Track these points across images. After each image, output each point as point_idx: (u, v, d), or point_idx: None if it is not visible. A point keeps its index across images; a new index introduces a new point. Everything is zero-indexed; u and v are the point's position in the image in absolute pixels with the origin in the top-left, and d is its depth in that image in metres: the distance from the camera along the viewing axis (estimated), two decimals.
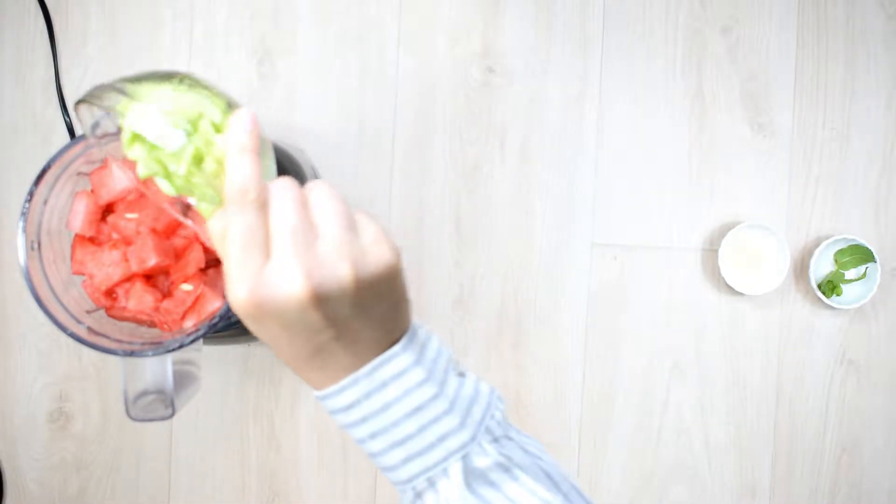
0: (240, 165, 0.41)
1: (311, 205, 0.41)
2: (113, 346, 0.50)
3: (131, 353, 0.50)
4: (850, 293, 0.98)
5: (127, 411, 0.50)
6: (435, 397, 0.44)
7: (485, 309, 0.99)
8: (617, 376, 1.00)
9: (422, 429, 0.44)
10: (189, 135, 0.44)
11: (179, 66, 0.99)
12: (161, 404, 0.51)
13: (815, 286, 0.97)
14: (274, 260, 0.40)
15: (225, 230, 0.40)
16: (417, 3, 1.00)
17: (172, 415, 0.51)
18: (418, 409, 0.43)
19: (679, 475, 1.00)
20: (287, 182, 0.42)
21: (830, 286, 0.97)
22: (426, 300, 0.99)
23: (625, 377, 1.00)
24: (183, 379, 0.55)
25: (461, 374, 0.46)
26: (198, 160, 0.44)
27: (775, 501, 1.00)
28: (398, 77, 0.99)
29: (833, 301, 0.97)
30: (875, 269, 0.97)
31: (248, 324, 0.41)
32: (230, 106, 0.49)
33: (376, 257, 0.41)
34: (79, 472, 0.99)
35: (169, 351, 0.51)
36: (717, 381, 1.00)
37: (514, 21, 1.00)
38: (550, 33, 1.00)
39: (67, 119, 0.98)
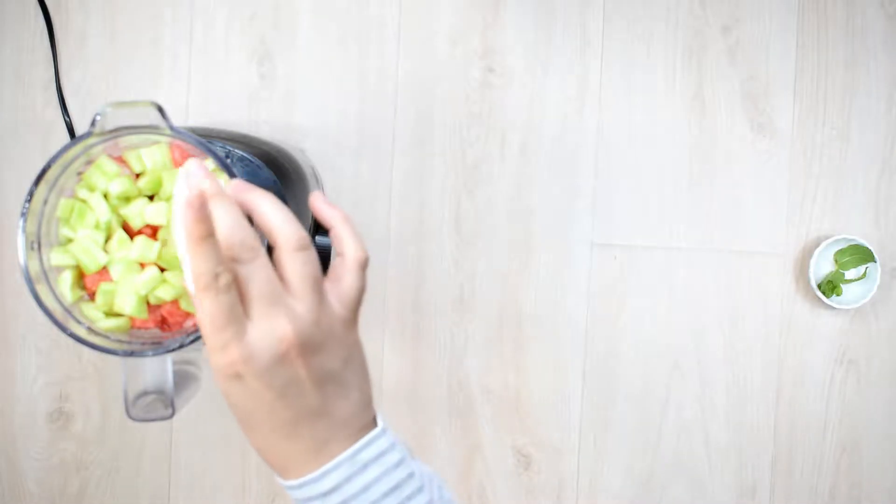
0: (197, 257, 0.40)
1: (282, 265, 0.42)
2: (113, 346, 0.50)
3: (131, 353, 0.50)
4: (850, 293, 0.98)
5: (127, 411, 0.50)
6: (409, 476, 0.45)
7: (485, 309, 0.99)
8: (617, 376, 1.00)
9: None
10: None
11: (179, 67, 0.99)
12: (161, 404, 0.51)
13: (815, 286, 0.97)
14: (256, 319, 0.41)
15: (203, 314, 0.41)
16: (417, 3, 1.00)
17: (172, 415, 0.51)
18: (395, 488, 0.45)
19: (679, 475, 1.00)
20: (251, 246, 0.41)
21: (830, 286, 0.97)
22: (426, 300, 0.99)
23: (625, 377, 1.00)
24: (183, 379, 0.55)
25: (412, 457, 0.48)
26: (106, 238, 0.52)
27: (775, 501, 1.00)
28: (398, 77, 0.99)
29: (833, 301, 0.97)
30: (875, 269, 0.97)
31: (233, 389, 0.42)
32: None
33: (342, 312, 0.44)
34: (79, 472, 0.99)
35: (169, 351, 0.51)
36: (717, 381, 1.00)
37: (514, 21, 1.00)
38: (550, 33, 1.00)
39: (67, 119, 0.98)
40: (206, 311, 0.40)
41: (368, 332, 0.99)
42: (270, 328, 0.41)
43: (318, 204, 0.46)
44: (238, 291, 0.41)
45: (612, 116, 1.00)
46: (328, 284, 0.45)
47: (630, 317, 1.00)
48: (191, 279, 0.40)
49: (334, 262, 0.46)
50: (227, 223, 0.40)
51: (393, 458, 0.45)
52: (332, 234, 0.46)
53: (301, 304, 0.42)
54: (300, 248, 0.42)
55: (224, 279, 0.40)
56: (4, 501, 0.98)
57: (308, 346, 0.42)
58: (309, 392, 0.43)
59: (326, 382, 0.43)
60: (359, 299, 0.45)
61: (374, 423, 0.46)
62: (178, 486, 0.99)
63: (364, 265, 0.45)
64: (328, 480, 0.44)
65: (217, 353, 0.41)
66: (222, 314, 0.40)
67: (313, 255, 0.42)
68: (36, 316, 0.97)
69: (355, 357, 0.45)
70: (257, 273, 0.41)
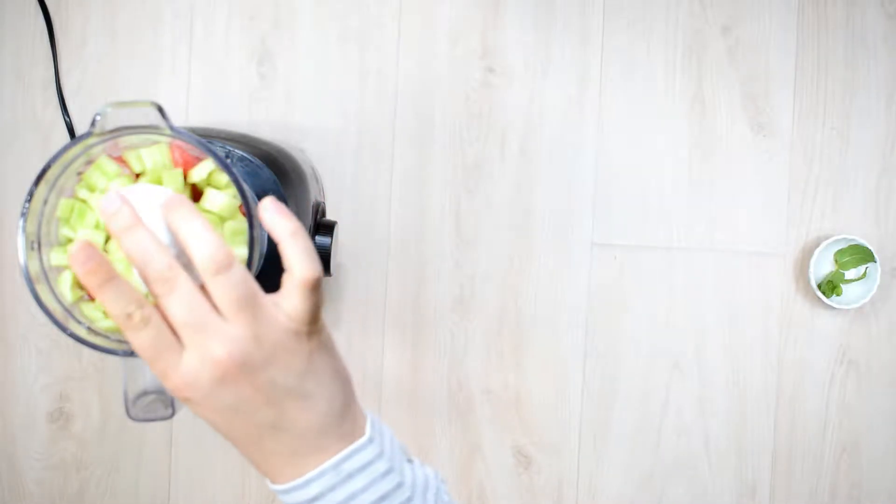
0: (104, 303, 0.40)
1: (209, 287, 0.41)
2: (113, 346, 0.50)
3: (131, 353, 0.49)
4: (850, 293, 0.98)
5: (127, 411, 0.50)
6: (398, 486, 0.45)
7: (485, 309, 0.99)
8: (617, 376, 1.00)
9: None
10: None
11: (179, 67, 0.99)
12: (161, 404, 0.50)
13: (815, 286, 0.97)
14: (188, 347, 0.41)
15: (134, 348, 0.41)
16: (417, 3, 1.00)
17: (172, 415, 0.51)
18: (383, 498, 0.44)
19: (679, 475, 1.00)
20: (164, 278, 0.40)
21: (830, 286, 0.97)
22: (426, 300, 0.99)
23: (625, 377, 1.00)
24: None
25: (410, 461, 0.47)
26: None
27: (775, 501, 1.00)
28: (398, 77, 0.99)
29: (833, 301, 0.97)
30: (875, 269, 0.97)
31: (197, 412, 0.42)
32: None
33: (275, 325, 0.42)
34: (79, 472, 0.99)
35: None
36: (717, 381, 1.00)
37: (514, 21, 1.00)
38: (550, 33, 1.00)
39: (67, 119, 0.98)
40: (134, 346, 0.41)
41: (368, 333, 0.99)
42: (202, 354, 0.40)
43: (266, 215, 0.43)
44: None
45: (612, 116, 1.00)
46: (276, 297, 0.43)
47: (630, 317, 1.00)
48: None
49: (284, 276, 0.43)
50: (136, 260, 0.40)
51: (380, 467, 0.44)
52: (279, 248, 0.43)
53: (232, 325, 0.40)
54: (217, 271, 0.40)
55: (138, 316, 0.40)
56: (4, 501, 0.98)
57: (249, 365, 0.41)
58: (262, 409, 0.42)
59: (283, 397, 0.42)
60: (310, 316, 0.43)
61: (363, 431, 0.45)
62: (178, 486, 0.99)
63: (312, 286, 0.42)
64: (312, 488, 0.43)
65: (162, 381, 0.41)
66: (148, 349, 0.40)
67: (236, 275, 0.40)
68: (36, 316, 0.97)
69: (318, 367, 0.43)
70: (176, 303, 0.40)
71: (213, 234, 0.40)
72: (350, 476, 0.44)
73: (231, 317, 0.40)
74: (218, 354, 0.40)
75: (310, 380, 0.43)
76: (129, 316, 0.40)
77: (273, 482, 0.45)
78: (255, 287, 0.41)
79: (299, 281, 0.42)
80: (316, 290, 0.42)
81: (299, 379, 0.43)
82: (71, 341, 0.51)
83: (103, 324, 0.53)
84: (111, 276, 0.40)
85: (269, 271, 0.74)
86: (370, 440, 0.45)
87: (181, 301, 0.40)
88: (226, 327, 0.40)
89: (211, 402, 0.41)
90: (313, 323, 0.43)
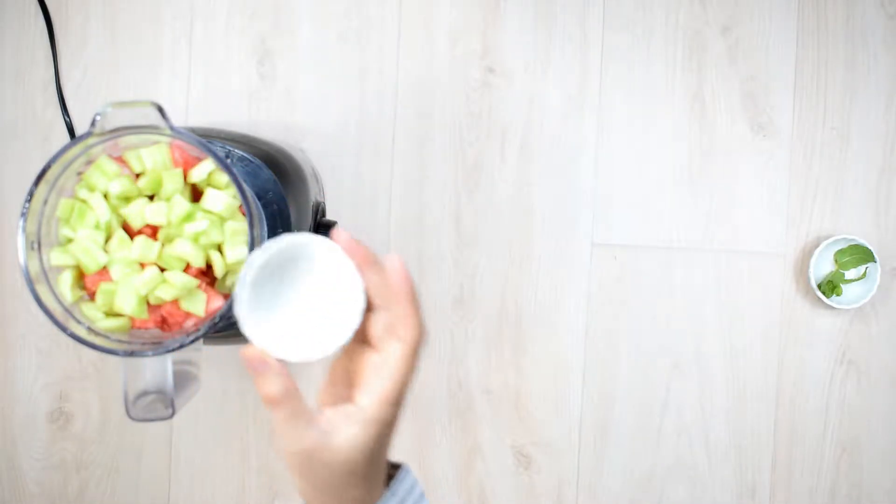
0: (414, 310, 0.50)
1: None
2: (113, 346, 0.50)
3: (131, 353, 0.50)
4: (850, 293, 0.98)
5: (127, 411, 0.50)
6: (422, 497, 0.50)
7: (485, 309, 0.99)
8: (617, 376, 1.00)
9: None
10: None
11: (179, 67, 0.99)
12: (161, 404, 0.51)
13: (815, 286, 0.97)
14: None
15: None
16: (417, 3, 1.00)
17: (172, 415, 0.51)
18: None
19: (679, 475, 1.00)
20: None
21: (830, 286, 0.97)
22: (426, 300, 0.99)
23: (625, 377, 1.00)
24: (183, 379, 0.55)
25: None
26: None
27: (775, 501, 1.00)
28: (398, 77, 0.99)
29: (833, 301, 0.97)
30: (875, 269, 0.97)
31: (376, 435, 0.47)
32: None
33: None
34: (79, 472, 0.99)
35: (169, 351, 0.50)
36: (717, 381, 1.00)
37: (514, 21, 1.00)
38: (550, 33, 1.00)
39: (67, 119, 0.98)
40: (413, 350, 0.51)
41: None
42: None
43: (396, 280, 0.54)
44: None
45: (612, 116, 1.00)
46: None
47: (630, 317, 1.00)
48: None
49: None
50: None
51: (417, 490, 0.50)
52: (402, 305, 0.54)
53: None
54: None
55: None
56: (4, 501, 0.98)
57: None
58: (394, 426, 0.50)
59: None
60: None
61: (396, 461, 0.52)
62: (179, 486, 0.99)
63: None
64: None
65: (401, 381, 0.50)
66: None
67: None
68: (36, 316, 0.97)
69: None
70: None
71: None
72: (402, 501, 0.49)
73: None
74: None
75: None
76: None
77: None
78: None
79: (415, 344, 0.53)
80: None
81: None
82: (71, 341, 0.51)
83: (103, 324, 0.53)
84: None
85: None
86: (407, 469, 0.50)
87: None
88: None
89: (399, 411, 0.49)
90: None
